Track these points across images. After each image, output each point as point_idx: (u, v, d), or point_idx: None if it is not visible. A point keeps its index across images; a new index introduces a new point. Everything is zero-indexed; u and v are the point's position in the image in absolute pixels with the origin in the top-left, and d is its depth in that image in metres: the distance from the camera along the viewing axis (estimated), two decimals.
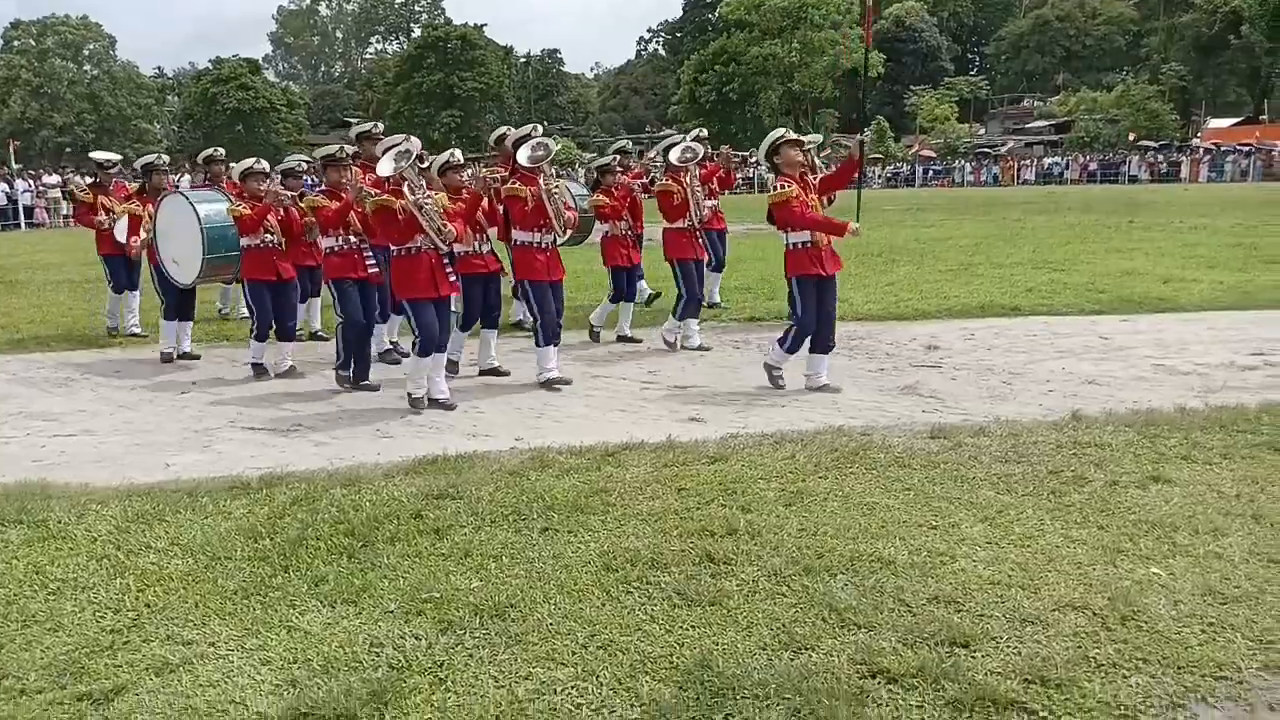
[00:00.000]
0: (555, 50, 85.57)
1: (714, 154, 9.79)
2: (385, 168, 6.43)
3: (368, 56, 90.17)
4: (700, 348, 8.41)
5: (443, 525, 4.22)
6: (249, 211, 7.53)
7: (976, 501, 4.36)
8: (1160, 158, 46.34)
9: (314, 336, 9.51)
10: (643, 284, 9.53)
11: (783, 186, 6.52)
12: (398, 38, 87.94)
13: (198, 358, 8.71)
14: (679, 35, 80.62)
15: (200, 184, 10.16)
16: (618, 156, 9.37)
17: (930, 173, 51.93)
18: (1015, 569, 3.65)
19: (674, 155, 8.35)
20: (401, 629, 3.29)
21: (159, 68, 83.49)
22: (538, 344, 7.14)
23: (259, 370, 7.83)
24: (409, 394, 6.58)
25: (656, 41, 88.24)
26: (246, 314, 10.20)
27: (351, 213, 6.97)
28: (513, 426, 6.07)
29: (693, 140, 8.81)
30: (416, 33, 79.83)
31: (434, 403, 6.58)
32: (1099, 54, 62.92)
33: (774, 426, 5.76)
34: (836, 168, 7.26)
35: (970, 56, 72.54)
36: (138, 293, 9.96)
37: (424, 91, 66.18)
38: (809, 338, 6.69)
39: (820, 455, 5.08)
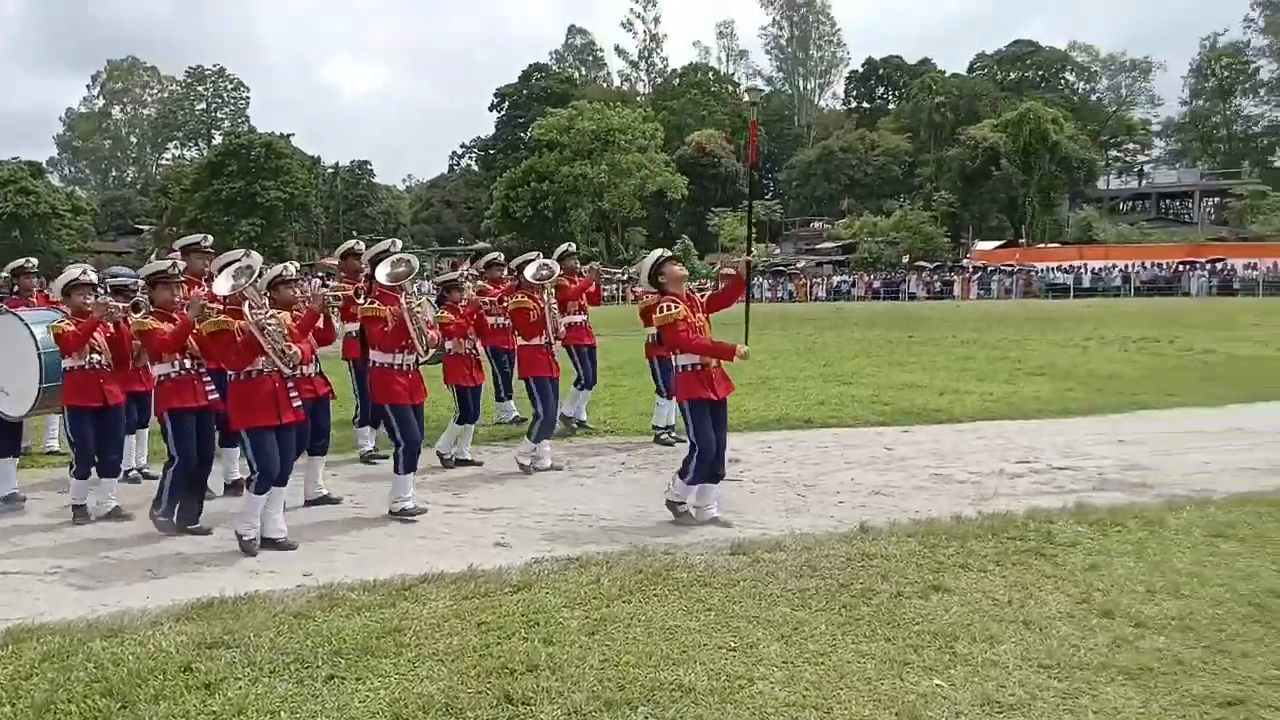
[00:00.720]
0: (366, 161, 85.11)
1: (584, 269, 9.95)
2: (223, 285, 5.98)
3: (164, 162, 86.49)
4: (553, 467, 8.19)
5: (215, 679, 3.87)
6: (73, 328, 6.66)
7: (774, 619, 4.45)
8: (935, 277, 50.61)
9: (143, 474, 7.99)
10: (511, 404, 10.20)
11: (670, 307, 6.30)
12: (197, 143, 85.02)
13: (23, 500, 7.34)
14: (491, 152, 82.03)
15: (8, 299, 8.97)
16: (466, 272, 9.38)
17: None
18: (810, 688, 3.72)
19: (529, 272, 8.28)
20: None
21: None
22: (397, 470, 6.70)
23: (79, 513, 6.77)
24: (238, 534, 5.95)
25: (469, 157, 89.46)
26: (54, 446, 9.22)
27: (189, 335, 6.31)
28: (302, 561, 5.72)
29: (557, 258, 9.03)
30: (218, 139, 77.50)
31: (269, 543, 5.99)
32: (878, 182, 68.65)
33: (580, 549, 5.71)
34: (723, 286, 7.01)
35: (765, 181, 77.53)
36: None
37: (224, 199, 63.88)
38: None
39: (624, 577, 5.06)
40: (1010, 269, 49.52)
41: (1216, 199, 63.93)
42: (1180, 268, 46.54)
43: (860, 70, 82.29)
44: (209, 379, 6.56)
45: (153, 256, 9.16)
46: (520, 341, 8.42)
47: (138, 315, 6.53)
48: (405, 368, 6.80)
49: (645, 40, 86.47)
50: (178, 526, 6.38)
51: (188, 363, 6.40)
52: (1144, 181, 72.26)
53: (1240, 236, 53.44)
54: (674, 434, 9.11)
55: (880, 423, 10.23)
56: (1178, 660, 3.90)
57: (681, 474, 6.43)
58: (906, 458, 8.46)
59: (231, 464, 7.41)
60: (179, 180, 69.79)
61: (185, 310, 6.23)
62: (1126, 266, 47.53)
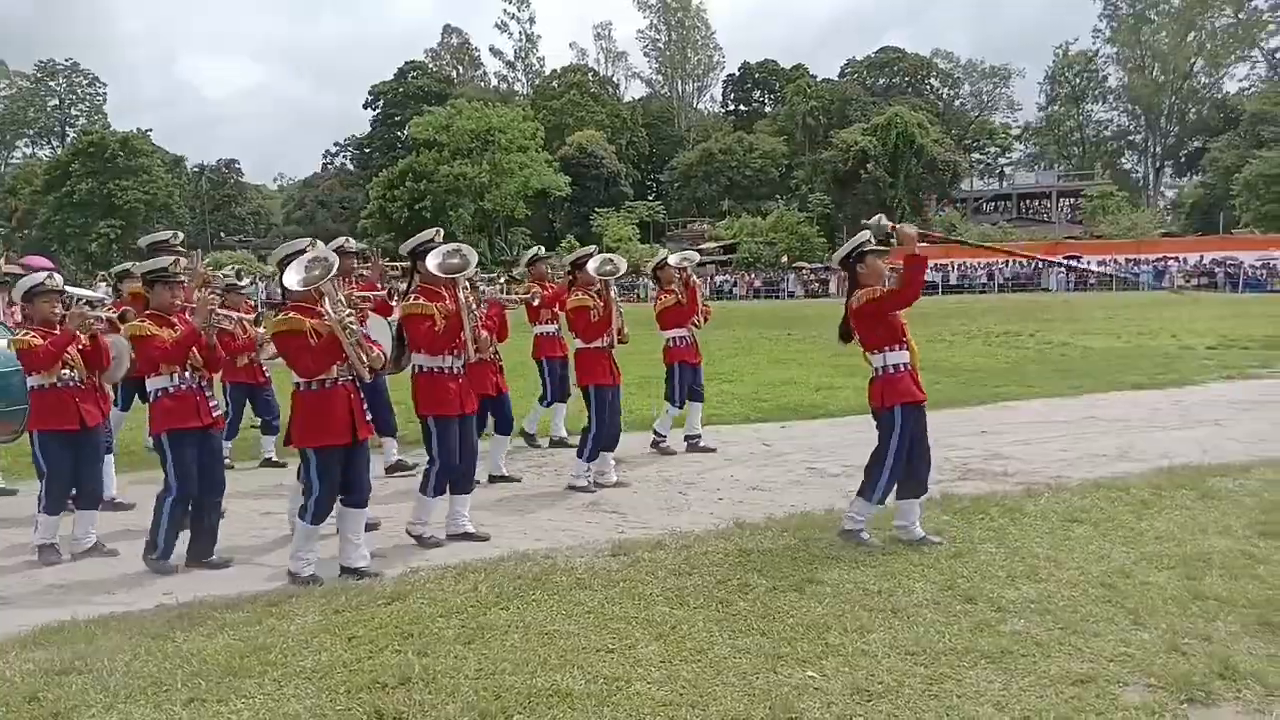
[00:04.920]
0: (233, 160, 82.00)
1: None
2: (293, 279, 5.14)
3: (13, 162, 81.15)
4: (618, 483, 7.51)
5: (65, 707, 3.64)
6: (42, 342, 5.74)
7: (652, 619, 4.46)
8: (813, 276, 51.93)
9: (113, 505, 7.11)
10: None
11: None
12: (50, 142, 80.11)
13: None
14: (367, 150, 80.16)
15: None
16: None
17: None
18: (686, 686, 3.73)
19: (592, 266, 7.41)
20: None
21: None
22: (425, 491, 6.01)
23: (47, 553, 5.88)
24: (293, 572, 5.30)
25: (344, 156, 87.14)
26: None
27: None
28: (164, 580, 5.44)
29: (526, 264, 9.03)
30: (72, 137, 73.25)
31: (353, 572, 5.31)
32: (757, 183, 70.01)
33: (458, 557, 5.61)
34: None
35: (648, 183, 78.06)
36: None
37: (78, 200, 60.50)
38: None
39: (503, 584, 4.99)
40: None
41: (1072, 199, 67.61)
42: (1039, 265, 49.00)
43: (737, 74, 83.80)
44: (211, 394, 5.82)
45: (0, 261, 8.32)
46: (579, 345, 7.46)
47: (132, 320, 5.77)
48: (455, 371, 6.01)
49: (521, 41, 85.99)
50: (186, 563, 5.64)
51: (188, 375, 5.59)
52: (1005, 183, 75.82)
53: (1093, 235, 56.65)
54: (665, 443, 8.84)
55: (760, 419, 10.42)
56: (1035, 642, 4.08)
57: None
58: (783, 453, 8.63)
59: (109, 480, 6.90)
60: (29, 181, 65.77)
61: (189, 315, 5.60)
62: (990, 264, 49.79)
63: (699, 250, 9.98)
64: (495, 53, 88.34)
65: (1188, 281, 43.16)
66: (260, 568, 5.69)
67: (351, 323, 5.18)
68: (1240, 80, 75.16)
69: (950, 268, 50.43)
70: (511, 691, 3.69)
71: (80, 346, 5.95)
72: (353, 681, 3.83)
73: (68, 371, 5.91)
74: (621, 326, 7.47)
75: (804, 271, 51.66)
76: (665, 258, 8.88)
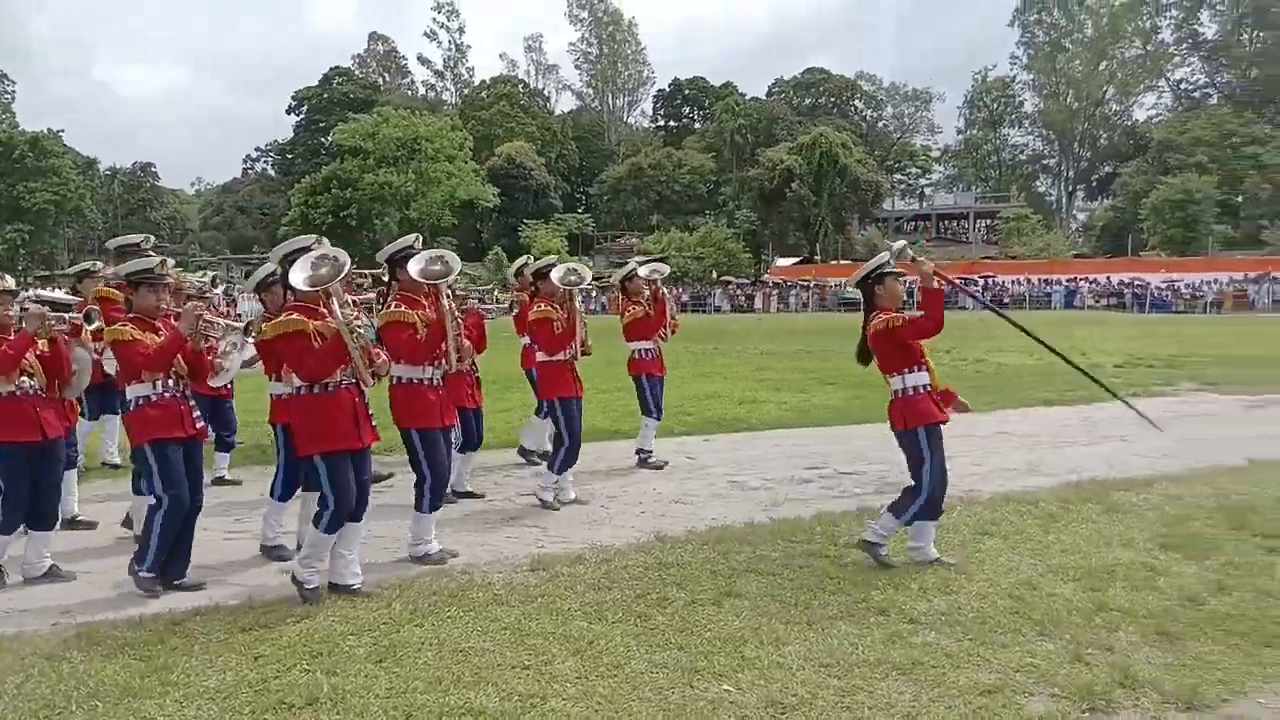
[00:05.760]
0: (149, 164, 79.65)
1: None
2: (299, 278, 4.86)
3: None
4: (576, 500, 7.31)
5: None
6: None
7: (570, 634, 4.42)
8: (739, 291, 52.49)
9: (74, 523, 6.59)
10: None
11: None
12: None
13: None
14: (289, 156, 78.68)
15: None
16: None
17: None
18: (602, 702, 3.71)
19: (556, 275, 7.20)
20: None
21: None
22: (421, 508, 5.74)
23: None
24: (298, 581, 4.99)
25: (265, 161, 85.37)
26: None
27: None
28: (62, 598, 5.20)
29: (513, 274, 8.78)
30: None
31: (342, 589, 5.07)
32: (685, 199, 70.61)
33: (372, 574, 5.48)
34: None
35: (578, 196, 78.16)
36: None
37: None
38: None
39: (418, 600, 4.90)
40: (807, 284, 52.05)
41: (988, 221, 69.66)
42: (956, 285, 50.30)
43: (667, 90, 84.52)
44: (194, 403, 5.47)
45: None
46: (541, 357, 7.28)
47: (110, 325, 5.35)
48: (435, 382, 5.79)
49: (450, 50, 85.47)
50: (165, 582, 5.26)
51: (171, 382, 5.26)
52: (925, 204, 77.88)
53: (1008, 255, 58.41)
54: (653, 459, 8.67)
55: (684, 432, 10.46)
56: (945, 653, 4.16)
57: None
58: (706, 466, 8.67)
59: (70, 497, 6.45)
60: None
61: (174, 321, 5.26)
62: (910, 282, 50.87)
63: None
64: (424, 61, 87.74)
65: (1098, 301, 44.87)
66: (237, 587, 5.31)
67: (358, 325, 5.00)
68: (1148, 109, 78.75)
69: None
70: (423, 710, 3.61)
71: (38, 352, 5.51)
72: (258, 702, 3.72)
73: (27, 379, 5.44)
74: (585, 338, 7.33)
75: (731, 286, 52.15)
76: (634, 269, 8.82)
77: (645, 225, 69.67)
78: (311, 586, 4.99)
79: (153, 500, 5.25)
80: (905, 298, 5.74)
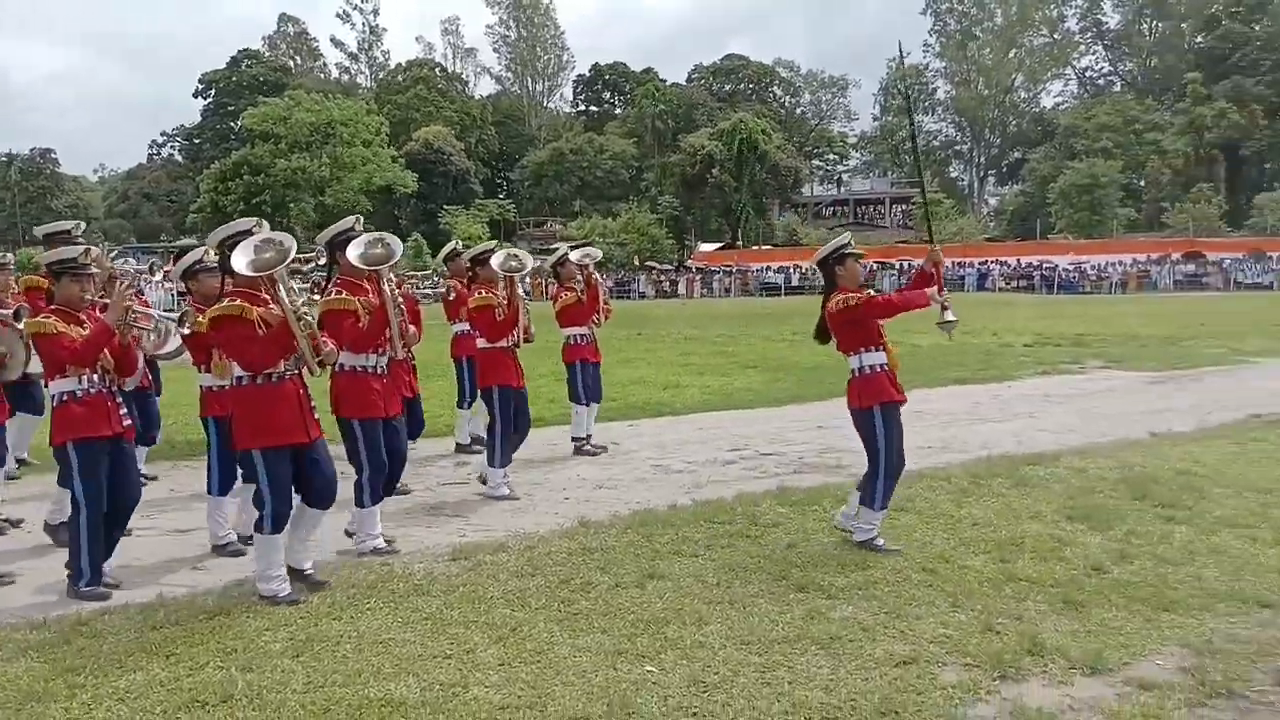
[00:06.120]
0: (49, 150, 76.31)
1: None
2: (242, 261, 4.63)
3: None
4: (508, 496, 7.06)
5: None
6: None
7: (492, 622, 4.40)
8: (663, 277, 52.64)
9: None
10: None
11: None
12: None
13: None
14: (197, 141, 76.18)
15: None
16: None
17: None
18: (525, 688, 3.70)
19: (496, 261, 7.10)
20: None
21: None
22: (362, 502, 5.56)
23: None
24: (263, 596, 4.74)
25: (172, 146, 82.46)
26: None
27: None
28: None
29: (443, 259, 8.58)
30: None
31: (300, 575, 4.94)
32: (608, 185, 70.39)
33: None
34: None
35: (498, 181, 77.22)
36: None
37: None
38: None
39: (336, 593, 4.82)
40: (729, 269, 52.49)
41: (904, 205, 71.09)
42: (874, 267, 51.31)
43: (588, 75, 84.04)
44: (121, 400, 5.15)
45: None
46: (482, 344, 7.16)
47: (34, 317, 5.02)
48: (380, 370, 5.63)
49: (364, 33, 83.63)
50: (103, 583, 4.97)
51: (96, 377, 4.95)
52: (843, 189, 79.14)
53: (923, 240, 59.78)
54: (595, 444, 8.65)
55: (608, 418, 10.43)
56: (862, 626, 4.25)
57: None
58: (630, 451, 8.70)
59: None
60: None
61: (100, 313, 4.95)
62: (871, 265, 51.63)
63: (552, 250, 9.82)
64: (337, 44, 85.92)
65: (1008, 283, 46.22)
66: (147, 586, 5.10)
67: (306, 313, 4.75)
68: (1056, 96, 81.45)
69: (791, 271, 52.09)
70: (342, 704, 3.55)
71: None
72: (170, 701, 3.61)
73: None
74: (528, 325, 7.21)
75: (654, 272, 52.28)
76: (565, 254, 8.73)
77: (568, 211, 69.34)
78: (284, 597, 4.72)
79: (71, 504, 4.98)
80: (862, 279, 5.75)
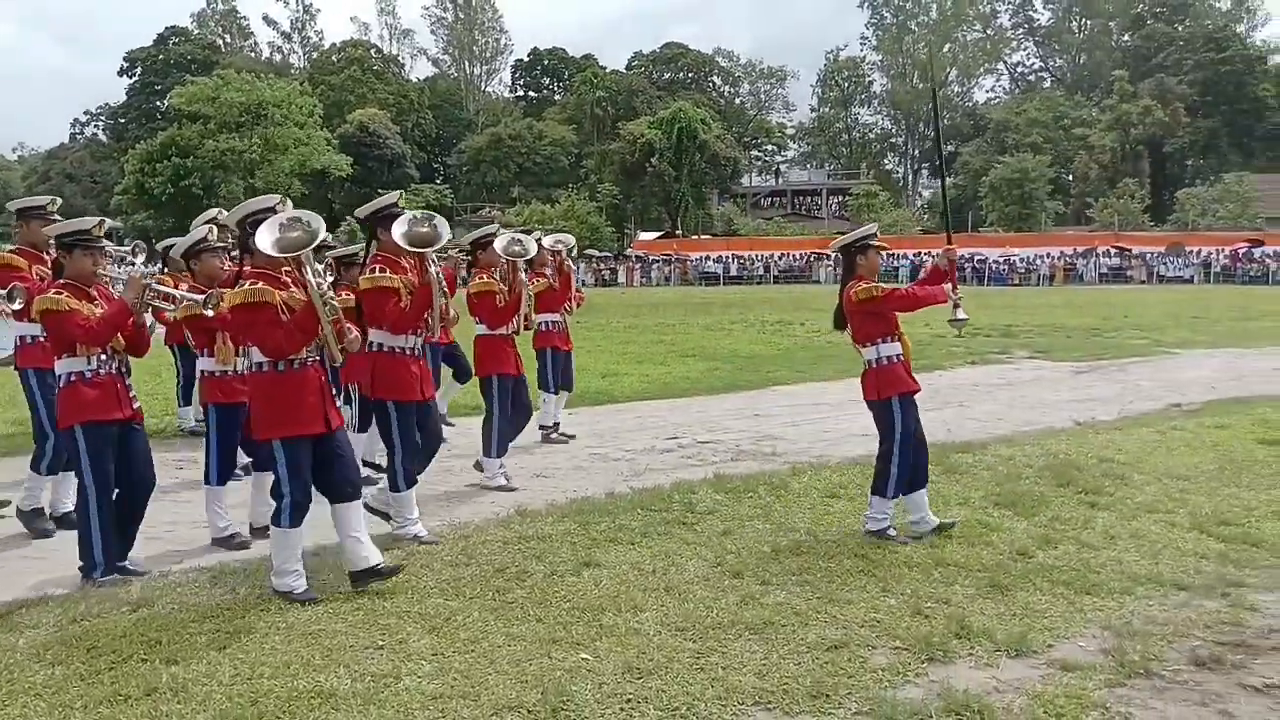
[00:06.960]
0: None
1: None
2: (266, 241, 4.40)
3: None
4: (504, 487, 6.89)
5: None
6: None
7: (425, 612, 4.35)
8: (603, 265, 52.59)
9: None
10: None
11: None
12: None
13: None
14: (123, 121, 73.77)
15: None
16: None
17: None
18: (459, 678, 3.67)
19: (499, 245, 6.91)
20: None
21: None
22: (397, 486, 5.45)
23: None
24: (279, 593, 4.54)
25: (96, 125, 79.80)
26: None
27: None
28: None
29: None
30: None
31: (374, 572, 4.69)
32: (547, 171, 69.97)
33: (216, 559, 5.25)
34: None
35: (435, 166, 76.23)
36: None
37: None
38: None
39: (265, 585, 4.71)
40: (668, 258, 52.62)
41: (840, 197, 72.01)
42: (811, 258, 51.89)
43: (526, 59, 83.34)
44: (130, 383, 4.92)
45: None
46: (481, 331, 7.00)
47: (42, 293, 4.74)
48: (417, 352, 5.54)
49: (298, 12, 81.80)
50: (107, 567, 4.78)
51: (106, 358, 4.75)
52: (780, 180, 79.82)
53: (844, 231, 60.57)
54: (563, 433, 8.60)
55: None
56: (795, 612, 4.30)
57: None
58: (569, 439, 8.66)
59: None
60: None
61: (117, 291, 4.73)
62: (767, 257, 52.20)
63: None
64: (269, 22, 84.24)
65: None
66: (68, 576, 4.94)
67: (331, 298, 4.55)
68: (988, 91, 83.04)
69: (729, 260, 52.42)
70: (270, 696, 3.49)
71: None
72: (90, 695, 3.51)
73: None
74: (529, 312, 7.10)
75: (594, 260, 52.18)
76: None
77: (506, 198, 68.69)
78: (299, 594, 4.53)
79: (79, 489, 4.80)
80: (880, 271, 5.76)
